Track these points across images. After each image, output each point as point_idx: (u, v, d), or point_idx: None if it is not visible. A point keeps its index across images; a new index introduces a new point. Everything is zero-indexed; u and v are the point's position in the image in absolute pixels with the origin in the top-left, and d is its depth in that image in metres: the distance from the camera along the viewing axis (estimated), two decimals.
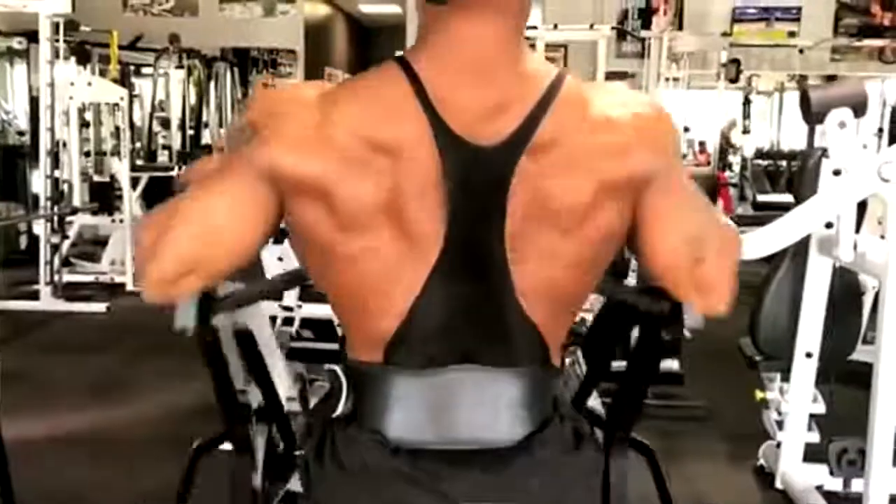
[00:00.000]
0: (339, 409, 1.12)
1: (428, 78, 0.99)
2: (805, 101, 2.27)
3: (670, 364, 3.81)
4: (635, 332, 1.26)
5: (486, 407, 1.06)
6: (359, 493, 1.05)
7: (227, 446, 1.45)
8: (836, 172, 2.35)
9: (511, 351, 1.06)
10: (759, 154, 8.70)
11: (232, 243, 1.01)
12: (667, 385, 3.73)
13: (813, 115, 2.24)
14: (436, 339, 1.04)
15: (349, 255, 1.00)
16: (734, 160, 8.39)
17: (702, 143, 8.69)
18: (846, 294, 2.65)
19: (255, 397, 1.48)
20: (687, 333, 1.09)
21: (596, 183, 0.99)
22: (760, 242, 2.25)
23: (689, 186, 1.07)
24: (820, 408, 2.68)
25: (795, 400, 2.68)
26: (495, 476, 1.05)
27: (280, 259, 3.11)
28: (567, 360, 1.51)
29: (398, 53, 1.03)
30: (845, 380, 2.86)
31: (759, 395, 2.81)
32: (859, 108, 2.21)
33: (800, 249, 2.55)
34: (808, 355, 2.62)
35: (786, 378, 2.76)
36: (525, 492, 1.05)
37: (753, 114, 8.51)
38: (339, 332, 1.15)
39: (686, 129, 8.93)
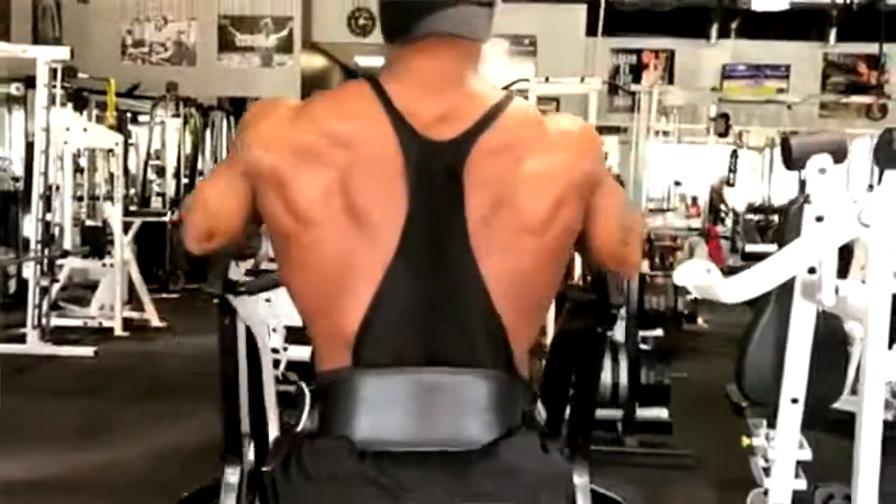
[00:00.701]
0: (302, 424, 1.13)
1: (391, 90, 1.16)
2: (786, 148, 2.30)
3: (658, 412, 3.79)
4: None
5: (452, 411, 1.09)
6: (326, 500, 1.05)
7: None
8: (819, 218, 2.37)
9: (475, 347, 1.09)
10: (751, 209, 8.80)
11: (227, 221, 1.22)
12: (655, 434, 3.71)
13: (794, 161, 2.27)
14: (401, 331, 1.08)
15: (307, 247, 1.11)
16: (724, 212, 8.48)
17: (694, 198, 8.79)
18: (831, 341, 2.65)
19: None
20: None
21: (558, 186, 1.15)
22: (742, 286, 2.25)
23: (617, 187, 1.30)
24: (807, 454, 2.66)
25: (782, 446, 2.66)
26: (460, 480, 1.06)
27: (268, 300, 3.12)
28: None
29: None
30: (832, 428, 2.85)
31: (745, 441, 2.78)
32: (838, 155, 2.24)
33: (783, 295, 2.56)
34: (794, 401, 2.61)
35: (772, 424, 2.74)
36: (490, 496, 1.06)
37: (745, 169, 8.63)
38: (311, 349, 1.18)
39: (677, 184, 9.04)
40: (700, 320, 6.52)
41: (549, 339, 1.69)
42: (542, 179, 1.14)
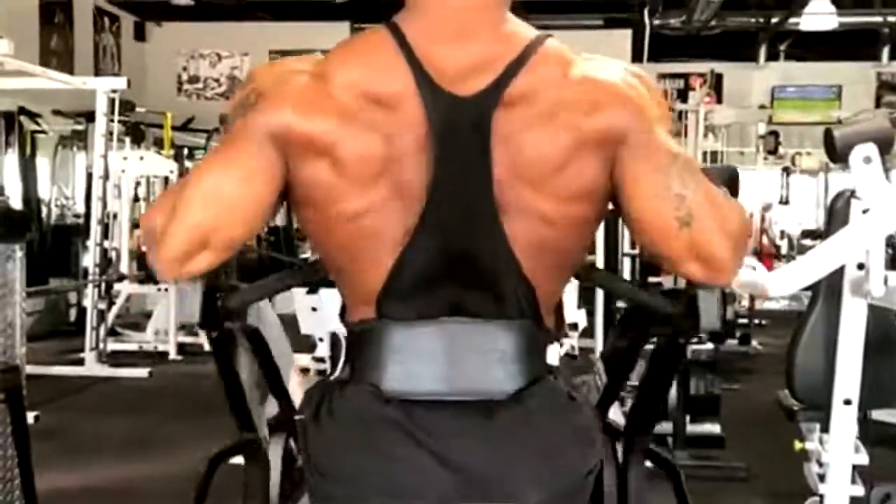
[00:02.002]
0: (337, 373, 1.14)
1: (414, 38, 1.06)
2: (829, 140, 2.27)
3: (711, 427, 3.72)
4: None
5: (477, 359, 1.08)
6: (352, 442, 1.06)
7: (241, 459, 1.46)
8: (866, 211, 2.33)
9: (501, 302, 1.08)
10: (806, 234, 8.63)
11: (245, 208, 1.05)
12: (707, 447, 3.64)
13: (838, 151, 2.23)
14: (425, 289, 1.07)
15: (350, 211, 1.05)
16: (779, 238, 8.33)
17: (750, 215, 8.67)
18: (885, 339, 2.57)
19: (271, 408, 1.49)
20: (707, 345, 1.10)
21: (568, 137, 1.03)
22: (788, 278, 2.22)
23: (675, 149, 1.07)
24: (863, 458, 2.57)
25: (836, 450, 2.58)
26: (483, 426, 1.05)
27: (314, 309, 3.15)
28: (586, 378, 1.50)
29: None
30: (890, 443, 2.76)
31: (798, 445, 2.71)
32: (885, 144, 2.20)
33: (831, 292, 2.51)
34: (847, 402, 2.54)
35: (825, 428, 2.66)
36: (516, 442, 1.05)
37: (799, 194, 8.48)
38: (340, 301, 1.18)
39: None
40: (755, 342, 6.39)
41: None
42: (555, 137, 1.03)
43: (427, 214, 1.05)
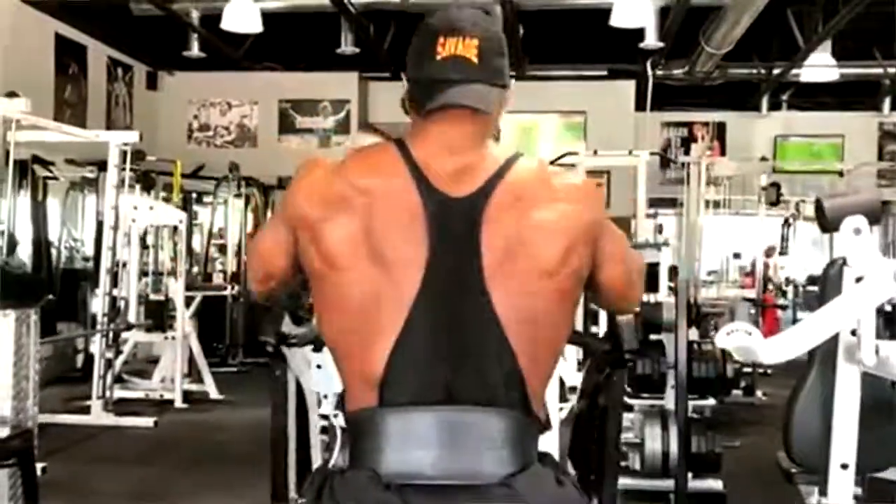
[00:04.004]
0: (334, 460, 1.21)
1: (414, 150, 1.31)
2: (820, 210, 2.33)
3: (712, 483, 3.73)
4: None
5: (471, 447, 1.16)
6: None
7: None
8: (859, 279, 2.38)
9: (493, 389, 1.17)
10: (811, 280, 8.65)
11: (276, 264, 1.39)
12: None
13: (829, 222, 2.29)
14: (422, 373, 1.17)
15: (336, 290, 1.23)
16: (784, 285, 8.36)
17: (751, 268, 8.70)
18: (881, 402, 2.61)
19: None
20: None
21: (567, 233, 1.28)
22: (782, 346, 2.26)
23: (619, 232, 1.42)
24: None
25: None
26: None
27: (319, 367, 3.19)
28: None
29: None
30: (890, 500, 2.78)
31: None
32: (872, 216, 2.26)
33: (827, 357, 2.55)
34: (844, 466, 2.57)
35: (824, 491, 2.69)
36: None
37: (804, 240, 8.52)
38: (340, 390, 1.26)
39: (737, 256, 8.98)
40: (759, 393, 6.38)
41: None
42: (553, 227, 1.27)
43: (422, 302, 1.18)
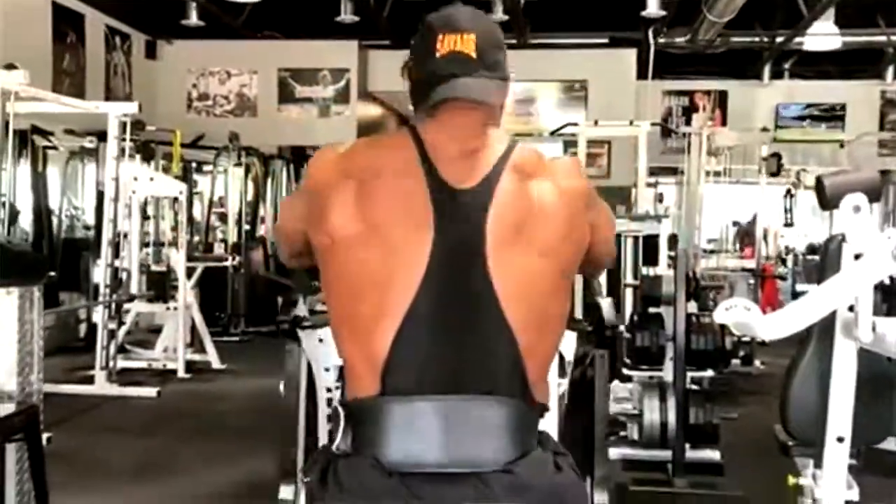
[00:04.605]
0: (337, 443, 1.23)
1: (426, 139, 1.36)
2: (820, 188, 2.33)
3: (710, 454, 3.78)
4: None
5: (473, 434, 1.18)
6: None
7: None
8: (858, 256, 2.39)
9: (494, 376, 1.19)
10: (811, 249, 8.66)
11: (300, 241, 1.43)
12: (707, 475, 3.69)
13: (828, 200, 2.30)
14: (425, 361, 1.19)
15: (340, 268, 1.27)
16: (784, 254, 8.38)
17: (742, 234, 8.73)
18: (877, 376, 2.64)
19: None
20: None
21: (569, 207, 1.34)
22: (780, 323, 2.28)
23: (601, 200, 1.49)
24: (854, 494, 2.63)
25: (828, 486, 2.64)
26: (479, 496, 1.16)
27: (321, 340, 3.22)
28: None
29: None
30: (886, 470, 2.82)
31: (791, 480, 2.77)
32: (872, 193, 2.26)
33: (825, 332, 2.57)
34: (840, 440, 2.60)
35: (819, 464, 2.72)
36: None
37: (806, 210, 8.52)
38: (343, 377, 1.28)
39: (736, 224, 9.00)
40: (757, 362, 6.42)
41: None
42: (556, 204, 1.32)
43: (426, 287, 1.20)
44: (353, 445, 1.22)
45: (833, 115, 9.95)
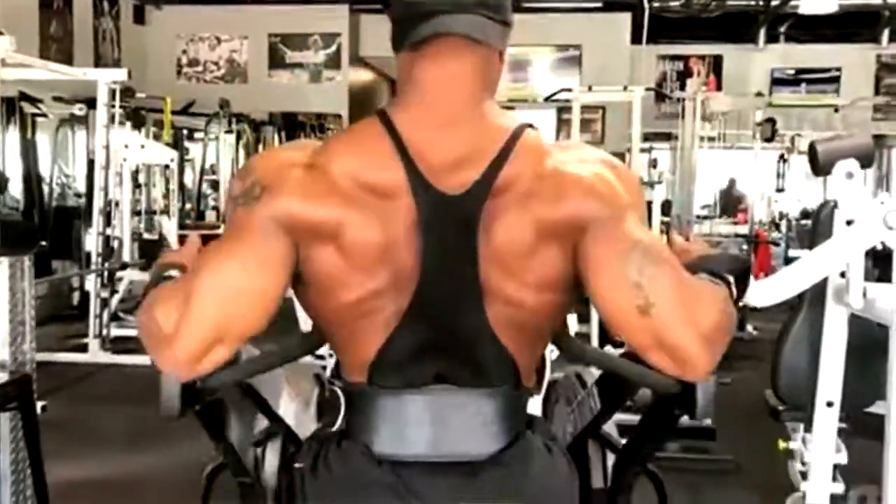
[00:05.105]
0: (338, 425, 1.21)
1: (403, 128, 1.10)
2: (813, 154, 2.33)
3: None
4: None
5: (461, 424, 1.15)
6: (346, 499, 1.15)
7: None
8: (850, 222, 2.39)
9: (483, 372, 1.15)
10: (805, 215, 8.66)
11: (258, 301, 1.06)
12: (698, 439, 3.72)
13: (820, 166, 2.29)
14: (413, 361, 1.14)
15: (351, 296, 1.10)
16: (778, 219, 8.38)
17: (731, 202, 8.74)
18: (867, 342, 2.65)
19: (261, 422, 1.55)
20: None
21: (534, 227, 1.07)
22: (771, 290, 2.29)
23: (639, 235, 1.08)
24: (843, 458, 2.66)
25: (818, 450, 2.67)
26: (467, 485, 1.13)
27: None
28: (581, 395, 1.57)
29: (379, 108, 1.14)
30: (873, 433, 2.84)
31: (781, 444, 2.80)
32: (865, 159, 2.26)
33: (816, 298, 2.58)
34: (829, 405, 2.62)
35: (809, 428, 2.75)
36: (497, 499, 1.13)
37: (800, 176, 8.50)
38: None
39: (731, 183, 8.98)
40: (749, 328, 6.46)
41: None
42: (524, 227, 1.07)
43: (417, 298, 1.09)
44: (345, 428, 1.19)
45: (829, 77, 9.90)
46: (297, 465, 1.22)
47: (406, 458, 1.14)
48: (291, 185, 1.07)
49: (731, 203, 8.95)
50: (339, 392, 1.19)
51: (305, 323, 1.27)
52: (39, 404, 2.51)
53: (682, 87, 8.90)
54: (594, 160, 1.13)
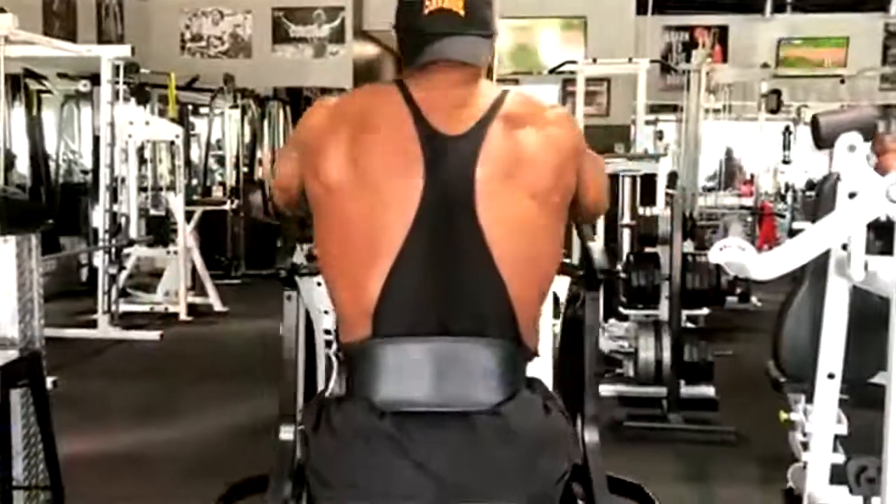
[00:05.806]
0: (331, 389, 1.26)
1: (414, 91, 1.35)
2: (815, 127, 2.33)
3: (705, 390, 3.84)
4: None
5: (462, 376, 1.21)
6: (349, 453, 1.20)
7: None
8: (852, 195, 2.40)
9: (484, 320, 1.22)
10: (811, 186, 8.64)
11: (292, 191, 1.45)
12: (701, 410, 3.76)
13: (823, 139, 2.30)
14: (415, 305, 1.21)
15: (332, 217, 1.29)
16: (783, 190, 8.36)
17: (750, 176, 8.70)
18: (868, 314, 2.66)
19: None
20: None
21: (559, 155, 1.35)
22: (774, 262, 2.29)
23: (593, 153, 1.51)
24: (843, 429, 2.68)
25: (819, 421, 2.69)
26: (467, 437, 1.19)
27: (319, 283, 3.25)
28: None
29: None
30: (875, 404, 2.86)
31: (783, 416, 2.82)
32: (867, 132, 2.26)
33: (818, 270, 2.59)
34: (831, 376, 2.64)
35: (810, 399, 2.77)
36: (494, 451, 1.19)
37: (806, 147, 8.46)
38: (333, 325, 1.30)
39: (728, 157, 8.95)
40: (754, 299, 6.48)
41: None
42: (546, 151, 1.33)
43: (416, 233, 1.22)
44: (346, 390, 1.25)
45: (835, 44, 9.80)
46: (300, 426, 1.26)
47: (407, 408, 1.20)
48: (305, 120, 1.42)
49: (729, 174, 8.91)
50: (334, 358, 1.24)
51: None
52: (50, 380, 2.55)
53: (688, 59, 8.82)
54: (554, 106, 1.45)
